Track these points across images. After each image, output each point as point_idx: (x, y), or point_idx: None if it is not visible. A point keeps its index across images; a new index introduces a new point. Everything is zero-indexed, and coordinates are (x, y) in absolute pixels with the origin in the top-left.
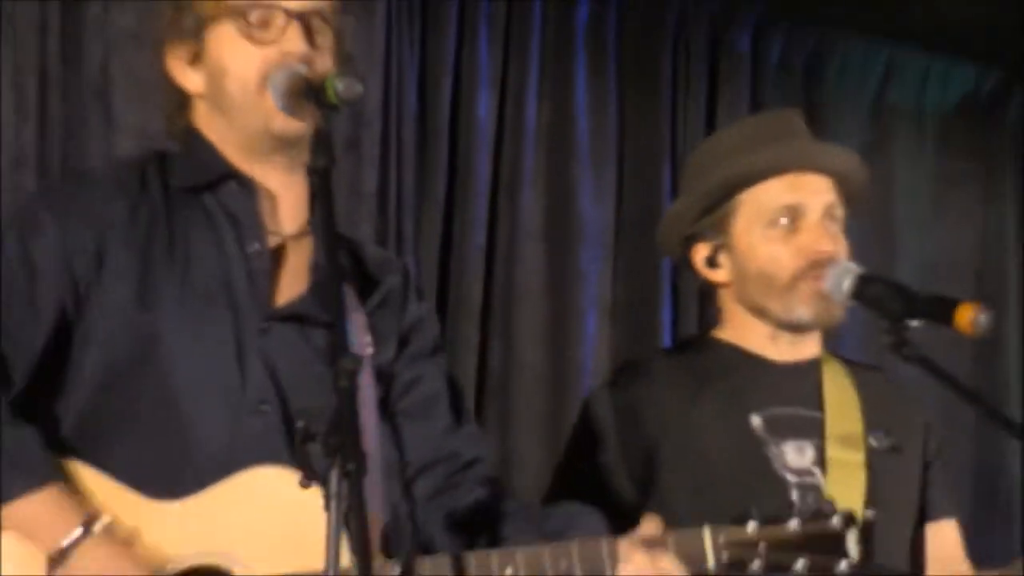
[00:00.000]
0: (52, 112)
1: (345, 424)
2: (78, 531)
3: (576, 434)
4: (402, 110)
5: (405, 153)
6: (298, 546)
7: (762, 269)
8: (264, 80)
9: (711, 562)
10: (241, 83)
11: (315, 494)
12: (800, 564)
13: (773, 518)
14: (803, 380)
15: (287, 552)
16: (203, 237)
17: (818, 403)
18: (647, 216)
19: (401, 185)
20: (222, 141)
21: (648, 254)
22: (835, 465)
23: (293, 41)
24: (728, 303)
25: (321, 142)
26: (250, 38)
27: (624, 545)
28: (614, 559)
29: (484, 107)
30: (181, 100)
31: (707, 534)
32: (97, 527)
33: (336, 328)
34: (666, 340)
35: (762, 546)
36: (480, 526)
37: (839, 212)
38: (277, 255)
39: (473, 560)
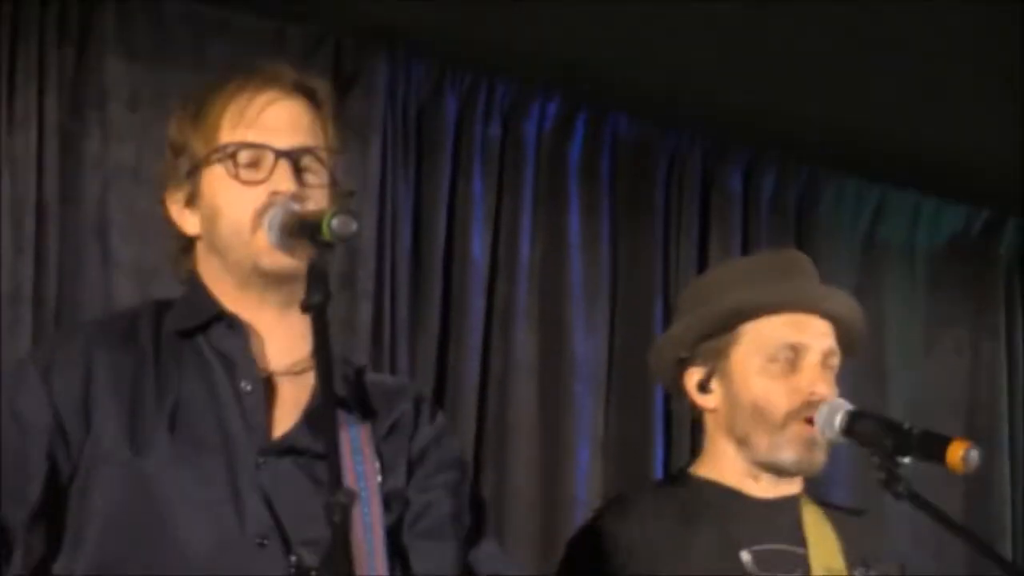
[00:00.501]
0: (49, 248)
1: (339, 558)
2: None
3: (563, 573)
4: (396, 246)
5: (399, 288)
6: None
7: (755, 401)
8: (256, 219)
9: None
10: (233, 224)
11: None
12: None
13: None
14: (784, 515)
15: None
16: (194, 378)
17: (800, 539)
18: (639, 351)
19: (395, 319)
20: (217, 281)
21: (640, 389)
22: None
23: (282, 180)
24: (713, 430)
25: (317, 278)
26: (239, 179)
27: None
28: None
29: (478, 243)
30: (185, 244)
31: None
32: None
33: (330, 461)
34: (658, 474)
35: None
36: None
37: (835, 360)
38: (270, 392)
39: None
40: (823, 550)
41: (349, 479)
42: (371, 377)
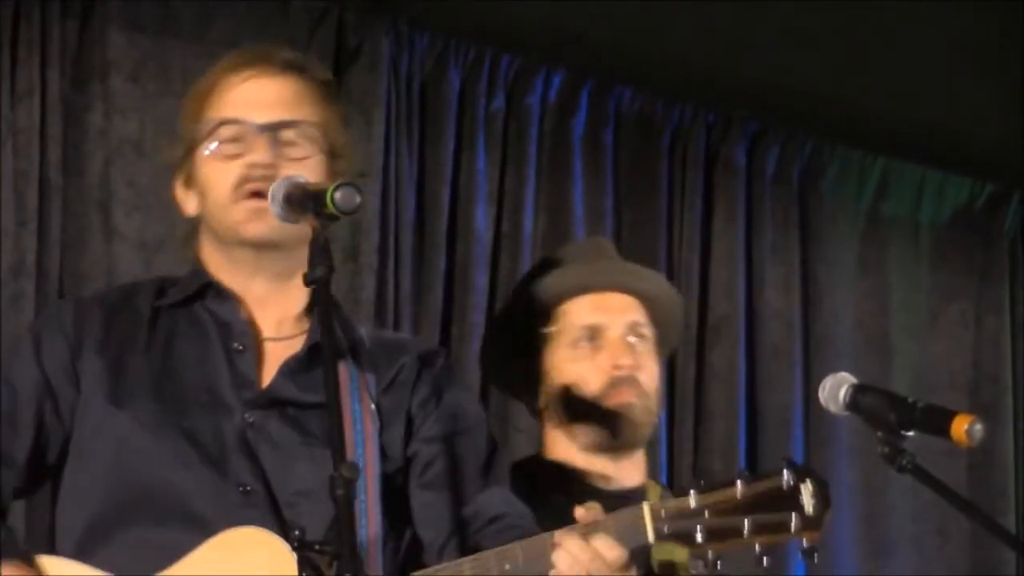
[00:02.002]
0: (52, 220)
1: (343, 532)
2: None
3: None
4: (400, 219)
5: (403, 261)
6: None
7: (569, 387)
8: (234, 191)
9: (650, 537)
10: (216, 198)
11: (284, 549)
12: (747, 526)
13: (718, 483)
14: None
15: None
16: (187, 342)
17: None
18: None
19: (399, 293)
20: (213, 256)
21: None
22: None
23: (259, 152)
24: (548, 428)
25: (320, 251)
26: (222, 154)
27: (560, 533)
28: (553, 549)
29: (482, 217)
30: (191, 227)
31: (646, 510)
32: None
33: (333, 435)
34: (662, 451)
35: (706, 513)
36: None
37: (648, 331)
38: (260, 355)
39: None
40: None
41: (347, 428)
42: (373, 332)
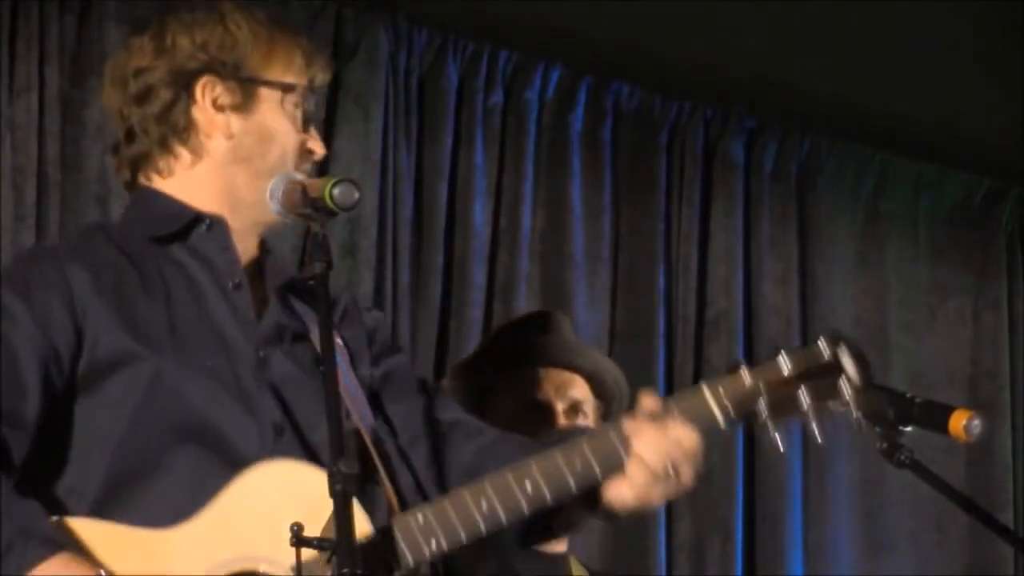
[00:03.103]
0: (50, 215)
1: (342, 528)
2: None
3: None
4: (398, 215)
5: (401, 257)
6: (315, 530)
7: None
8: (300, 159)
9: (720, 419)
10: (284, 154)
11: (322, 478)
12: (803, 395)
13: (761, 361)
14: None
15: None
16: (177, 282)
17: None
18: (641, 320)
19: (397, 288)
20: (218, 188)
21: (642, 358)
22: None
23: (316, 142)
24: None
25: (318, 246)
26: (291, 118)
27: (629, 424)
28: (625, 442)
29: (479, 212)
30: (170, 139)
31: (706, 391)
32: None
33: (331, 428)
34: None
35: (762, 387)
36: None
37: (589, 408)
38: (250, 288)
39: (489, 484)
40: None
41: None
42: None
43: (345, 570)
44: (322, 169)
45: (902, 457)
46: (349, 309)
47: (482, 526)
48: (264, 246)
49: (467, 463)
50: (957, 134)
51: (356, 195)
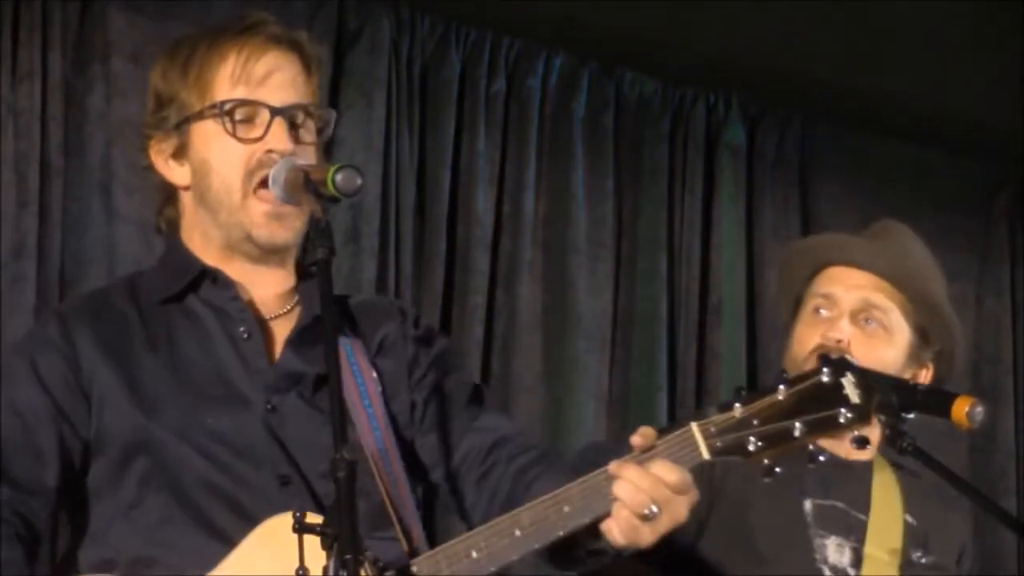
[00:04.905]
0: (53, 202)
1: (343, 514)
2: None
3: None
4: (401, 202)
5: (404, 244)
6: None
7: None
8: (248, 178)
9: (705, 454)
10: (224, 181)
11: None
12: (798, 428)
13: (759, 392)
14: (855, 480)
15: None
16: (188, 336)
17: (865, 507)
18: (644, 307)
19: (399, 276)
20: (204, 235)
21: (645, 345)
22: (871, 572)
23: (278, 138)
24: None
25: (321, 234)
26: (234, 135)
27: (615, 465)
28: (609, 483)
29: (482, 199)
30: (168, 194)
31: (695, 429)
32: None
33: (335, 417)
34: None
35: (754, 422)
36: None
37: (881, 315)
38: (266, 336)
39: (480, 533)
40: (885, 524)
41: (352, 393)
42: (354, 299)
43: (347, 556)
44: (325, 156)
45: (905, 444)
46: (390, 337)
47: None
48: (301, 271)
49: (510, 488)
50: (960, 120)
51: (359, 181)
